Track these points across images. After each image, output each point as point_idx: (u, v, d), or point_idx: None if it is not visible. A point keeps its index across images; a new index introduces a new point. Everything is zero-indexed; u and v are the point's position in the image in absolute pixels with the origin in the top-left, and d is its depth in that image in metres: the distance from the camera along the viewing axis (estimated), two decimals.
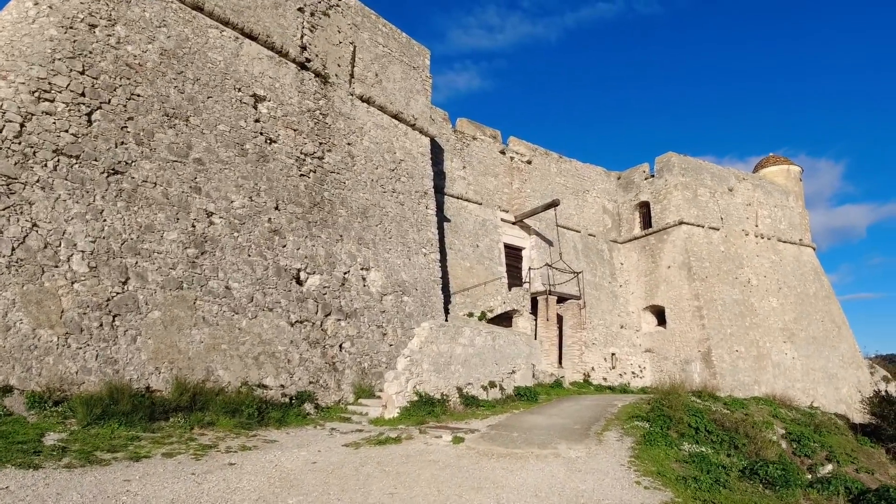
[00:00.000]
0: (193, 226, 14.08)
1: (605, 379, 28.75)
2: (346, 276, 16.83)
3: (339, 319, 16.06)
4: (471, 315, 23.89)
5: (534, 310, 26.62)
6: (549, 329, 25.65)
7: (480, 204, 28.02)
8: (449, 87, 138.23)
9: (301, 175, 16.82)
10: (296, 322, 14.95)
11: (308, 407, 14.06)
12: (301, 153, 17.04)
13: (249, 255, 14.72)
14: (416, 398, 14.08)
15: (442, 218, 25.92)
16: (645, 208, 34.33)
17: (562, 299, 27.11)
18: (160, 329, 12.75)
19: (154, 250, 13.28)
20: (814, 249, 38.34)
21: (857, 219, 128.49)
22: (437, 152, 26.56)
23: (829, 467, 15.39)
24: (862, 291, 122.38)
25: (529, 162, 31.00)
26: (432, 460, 9.14)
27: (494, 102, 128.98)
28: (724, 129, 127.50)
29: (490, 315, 24.67)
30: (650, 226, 33.48)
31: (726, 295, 31.32)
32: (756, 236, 34.87)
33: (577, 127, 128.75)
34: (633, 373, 30.32)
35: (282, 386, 14.02)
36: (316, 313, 15.54)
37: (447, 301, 23.97)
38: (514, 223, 29.35)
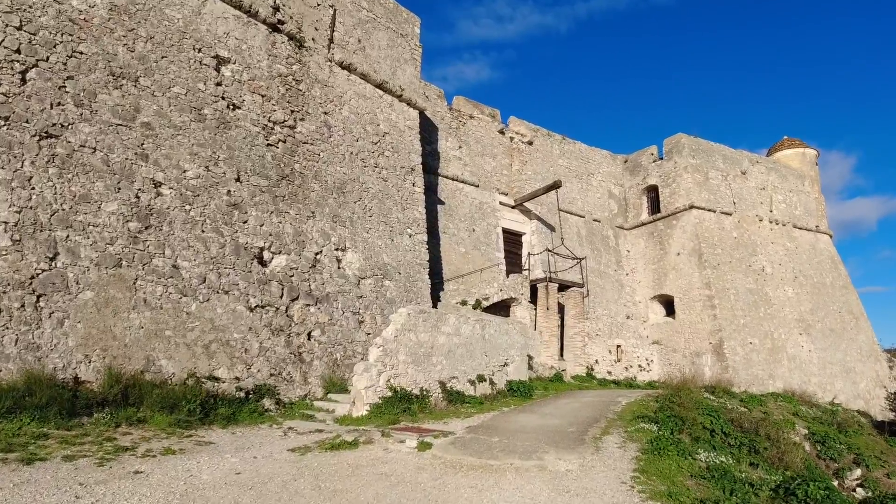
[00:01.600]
0: (137, 196, 12.38)
1: (609, 372, 26.95)
2: (318, 256, 15.08)
3: (308, 304, 14.32)
4: (464, 303, 22.15)
5: (533, 298, 24.88)
6: (549, 319, 23.88)
7: (477, 186, 26.22)
8: (458, 77, 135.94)
9: (268, 145, 15.08)
10: (256, 307, 13.23)
11: (267, 402, 12.37)
12: (269, 121, 15.30)
13: (203, 231, 13.01)
14: (389, 394, 12.34)
15: (436, 200, 24.17)
16: (653, 192, 32.40)
17: (563, 287, 25.32)
18: (92, 312, 11.09)
19: (89, 223, 11.61)
20: (830, 237, 36.36)
21: (869, 212, 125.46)
22: (430, 131, 24.81)
23: (858, 472, 13.63)
24: (871, 285, 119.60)
25: (530, 143, 29.16)
26: (384, 474, 7.38)
27: (503, 93, 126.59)
28: (735, 120, 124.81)
29: (486, 303, 22.94)
30: (658, 211, 31.57)
31: (739, 283, 29.43)
32: (770, 222, 32.93)
33: (584, 114, 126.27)
34: (639, 366, 28.50)
35: (237, 378, 12.32)
36: (281, 297, 13.82)
37: (439, 288, 22.24)
38: (513, 207, 27.54)
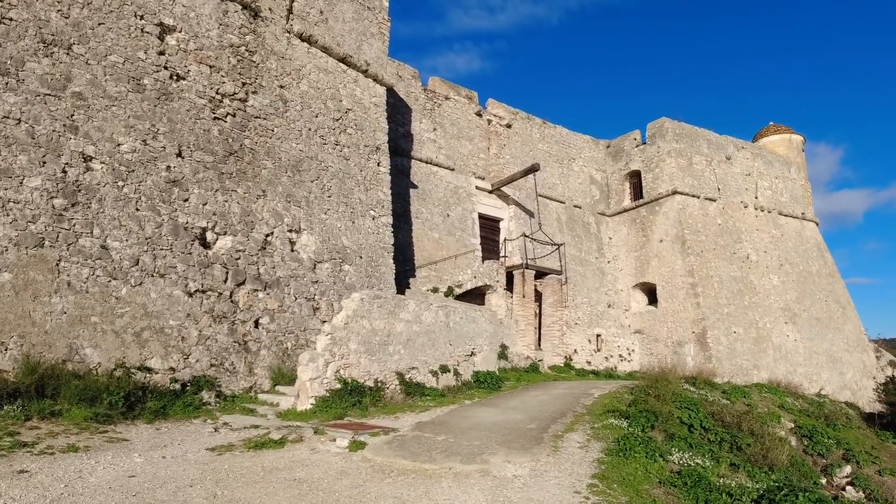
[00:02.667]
0: (65, 171, 11.31)
1: (588, 362, 26.06)
2: (269, 238, 14.02)
3: (256, 290, 13.27)
4: (435, 290, 21.16)
5: (510, 286, 23.93)
6: (525, 307, 22.94)
7: (453, 170, 25.19)
8: (449, 68, 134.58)
9: (215, 118, 13.99)
10: (196, 291, 12.18)
11: (207, 395, 11.35)
12: (217, 93, 14.21)
13: (138, 209, 11.94)
14: (338, 386, 11.34)
15: (408, 184, 23.17)
16: (636, 178, 31.44)
17: (541, 274, 24.38)
18: (9, 295, 10.06)
19: (9, 199, 10.56)
20: (817, 224, 35.61)
21: (855, 204, 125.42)
22: (403, 112, 23.78)
23: (848, 469, 12.76)
24: (857, 276, 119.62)
25: (509, 126, 28.11)
26: (298, 479, 6.35)
27: (493, 83, 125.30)
28: (721, 107, 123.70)
29: (458, 291, 21.95)
30: (641, 197, 30.64)
31: (723, 271, 28.59)
32: (756, 209, 32.10)
33: (570, 100, 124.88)
34: (620, 356, 27.63)
35: (171, 369, 11.29)
36: (225, 281, 12.76)
37: (410, 275, 21.26)
38: (490, 192, 26.53)
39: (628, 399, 12.74)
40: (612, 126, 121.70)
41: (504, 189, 26.70)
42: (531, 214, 27.31)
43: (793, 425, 14.50)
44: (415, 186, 23.42)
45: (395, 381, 12.57)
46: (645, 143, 31.11)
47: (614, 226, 31.65)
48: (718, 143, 32.01)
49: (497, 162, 26.94)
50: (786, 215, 33.59)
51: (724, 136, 32.70)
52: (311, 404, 10.78)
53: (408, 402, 12.10)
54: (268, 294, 13.43)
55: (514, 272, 23.53)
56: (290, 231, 14.55)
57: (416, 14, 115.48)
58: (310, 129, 16.04)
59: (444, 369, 13.99)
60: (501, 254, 25.72)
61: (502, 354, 20.56)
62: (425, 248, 22.76)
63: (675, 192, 28.99)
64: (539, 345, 23.94)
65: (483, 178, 26.34)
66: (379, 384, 12.15)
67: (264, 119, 14.97)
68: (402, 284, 20.23)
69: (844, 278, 35.07)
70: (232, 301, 12.74)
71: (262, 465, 6.85)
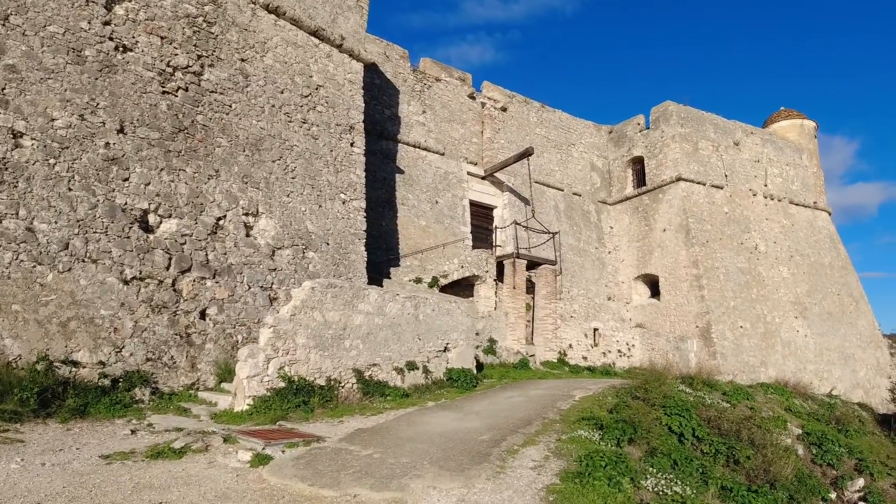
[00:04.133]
0: None
1: (584, 358, 24.84)
2: (221, 222, 12.93)
3: (204, 277, 12.20)
4: (419, 281, 20.09)
5: (501, 276, 22.81)
6: (516, 298, 21.80)
7: (443, 154, 24.02)
8: (462, 59, 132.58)
9: (164, 92, 12.91)
10: (133, 279, 11.13)
11: (140, 392, 10.33)
12: (168, 66, 13.11)
13: (70, 189, 10.91)
14: (282, 384, 10.26)
15: (394, 169, 22.06)
16: (639, 164, 30.08)
17: (534, 264, 23.20)
18: None
19: None
20: (829, 214, 34.11)
21: (870, 197, 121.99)
22: (390, 93, 22.65)
23: (861, 482, 11.51)
24: (871, 270, 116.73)
25: (504, 109, 26.86)
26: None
27: (505, 73, 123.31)
28: (731, 93, 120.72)
29: (444, 281, 20.89)
30: (644, 184, 29.32)
31: (730, 262, 27.24)
32: (765, 197, 30.66)
33: (576, 88, 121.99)
34: (619, 351, 26.36)
35: (101, 363, 10.26)
36: (167, 268, 11.69)
37: (394, 264, 20.19)
38: (483, 178, 25.31)
39: (612, 403, 11.56)
40: (617, 112, 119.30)
41: (498, 175, 25.51)
42: (527, 202, 26.10)
43: (800, 431, 13.25)
44: (401, 171, 22.30)
45: (351, 379, 11.49)
46: (649, 129, 29.77)
47: (616, 214, 30.36)
48: (726, 128, 30.59)
49: (491, 147, 25.72)
50: (797, 204, 32.14)
51: (733, 120, 31.28)
52: (249, 405, 9.73)
53: (363, 403, 11.02)
54: (217, 282, 12.36)
55: (504, 262, 22.39)
56: (247, 214, 13.46)
57: (431, 5, 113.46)
58: (273, 106, 14.92)
59: (412, 366, 12.89)
60: (496, 243, 24.56)
61: (489, 349, 19.48)
62: (411, 236, 21.66)
63: (679, 179, 27.64)
64: (532, 339, 22.81)
65: (475, 164, 25.17)
66: (332, 383, 11.08)
67: (221, 94, 13.88)
68: (383, 274, 19.18)
69: (858, 272, 33.54)
70: (174, 290, 11.68)
71: (136, 482, 5.77)
